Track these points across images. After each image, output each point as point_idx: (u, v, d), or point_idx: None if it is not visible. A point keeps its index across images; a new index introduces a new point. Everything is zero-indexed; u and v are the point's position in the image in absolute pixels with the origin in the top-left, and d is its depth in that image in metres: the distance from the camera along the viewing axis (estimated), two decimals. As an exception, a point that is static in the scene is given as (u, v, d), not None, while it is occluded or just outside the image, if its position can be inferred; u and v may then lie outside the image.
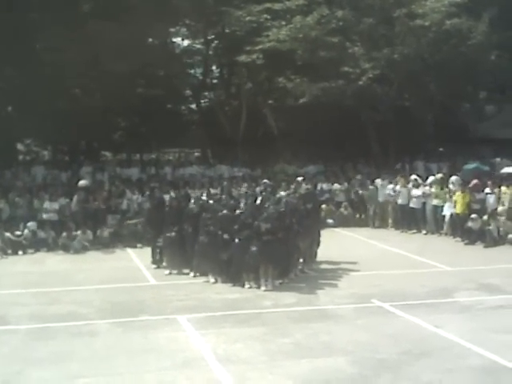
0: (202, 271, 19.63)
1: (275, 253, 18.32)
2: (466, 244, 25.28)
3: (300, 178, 25.57)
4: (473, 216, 25.48)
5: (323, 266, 21.16)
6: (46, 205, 26.26)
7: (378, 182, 30.30)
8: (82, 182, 28.56)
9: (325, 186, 31.28)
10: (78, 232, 25.18)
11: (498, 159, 35.14)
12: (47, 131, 37.16)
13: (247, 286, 18.42)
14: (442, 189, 27.68)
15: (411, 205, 28.30)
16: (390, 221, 29.63)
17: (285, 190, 23.83)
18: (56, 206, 26.38)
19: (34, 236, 25.04)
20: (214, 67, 46.23)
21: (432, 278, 19.48)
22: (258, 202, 19.84)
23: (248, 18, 36.62)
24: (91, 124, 34.90)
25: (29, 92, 30.04)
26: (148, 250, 22.16)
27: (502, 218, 25.50)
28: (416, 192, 28.19)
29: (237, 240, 18.70)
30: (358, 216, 30.75)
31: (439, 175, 29.40)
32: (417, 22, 34.37)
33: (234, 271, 18.80)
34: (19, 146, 42.34)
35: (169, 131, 42.37)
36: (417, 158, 36.46)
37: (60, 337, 14.15)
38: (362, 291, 17.81)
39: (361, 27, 35.37)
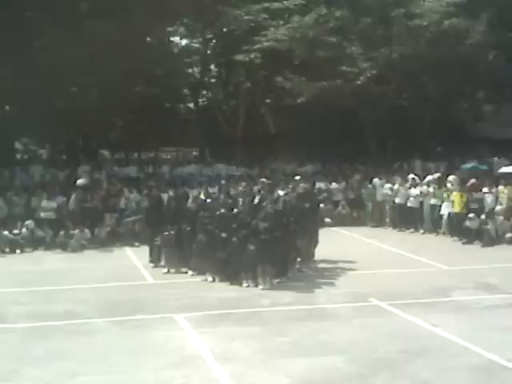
0: (200, 270, 19.62)
1: (273, 252, 18.34)
2: (463, 243, 25.30)
3: (298, 177, 25.53)
4: (470, 215, 25.49)
5: (321, 265, 21.14)
6: (44, 203, 26.24)
7: (376, 181, 30.34)
8: (80, 181, 28.57)
9: (323, 185, 31.27)
10: (76, 231, 25.15)
11: (496, 159, 35.23)
12: (45, 130, 37.20)
13: (245, 284, 18.42)
14: (439, 188, 27.68)
15: (409, 204, 28.31)
16: (387, 220, 29.65)
17: (283, 189, 23.80)
18: (53, 204, 26.36)
19: (31, 234, 25.02)
20: (212, 66, 46.24)
21: (429, 277, 19.50)
22: (256, 201, 19.81)
23: (246, 17, 36.70)
24: (89, 123, 34.94)
25: (26, 91, 30.01)
26: (146, 249, 22.14)
27: (500, 218, 25.52)
28: (414, 191, 28.20)
29: (235, 239, 18.69)
30: (354, 215, 30.71)
31: (437, 174, 29.42)
32: (415, 21, 34.48)
33: (231, 270, 18.80)
34: (17, 145, 42.33)
35: (167, 130, 42.45)
36: (415, 158, 36.49)
37: (57, 335, 14.14)
38: (359, 290, 17.82)
39: (359, 27, 35.45)
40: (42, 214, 26.07)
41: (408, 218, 28.54)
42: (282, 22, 36.56)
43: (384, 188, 29.58)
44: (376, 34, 35.58)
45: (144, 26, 32.09)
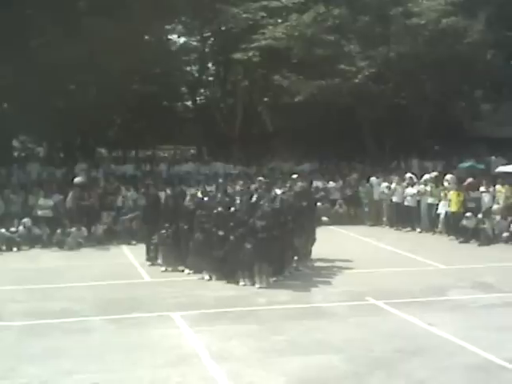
0: (197, 268, 19.61)
1: (270, 250, 18.33)
2: (460, 242, 25.30)
3: (295, 176, 25.55)
4: (467, 214, 25.50)
5: (318, 264, 21.13)
6: (41, 201, 26.20)
7: (373, 179, 30.34)
8: (77, 179, 28.55)
9: (320, 183, 31.28)
10: (73, 229, 25.13)
11: (493, 158, 35.25)
12: (42, 128, 37.20)
13: (242, 283, 18.42)
14: (436, 187, 27.69)
15: (406, 203, 28.31)
16: (384, 219, 29.65)
17: (280, 188, 23.81)
18: (50, 202, 26.31)
19: (28, 232, 24.99)
20: (210, 64, 46.33)
21: (426, 276, 19.51)
22: (254, 199, 19.81)
23: (244, 16, 36.77)
24: (86, 121, 34.90)
25: (24, 89, 29.97)
26: (142, 247, 22.10)
27: (497, 217, 25.53)
28: (411, 190, 28.20)
29: (232, 237, 18.68)
30: (351, 212, 30.70)
31: (434, 173, 29.42)
32: (413, 20, 34.51)
33: (228, 268, 18.79)
34: (14, 143, 42.29)
35: (164, 128, 42.48)
36: (412, 156, 36.53)
37: (54, 333, 14.14)
38: (356, 289, 17.82)
39: (357, 25, 35.49)
40: (39, 212, 26.03)
41: (405, 217, 28.53)
42: (280, 21, 36.65)
43: (381, 187, 29.57)
44: (374, 33, 35.61)
45: (142, 23, 32.09)
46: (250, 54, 35.67)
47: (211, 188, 25.47)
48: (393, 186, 28.96)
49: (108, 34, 28.91)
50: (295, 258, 20.51)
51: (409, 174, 29.33)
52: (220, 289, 18.10)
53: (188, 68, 45.52)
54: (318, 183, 30.95)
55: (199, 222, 19.40)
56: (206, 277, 19.15)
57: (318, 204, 25.56)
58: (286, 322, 14.82)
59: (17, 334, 14.19)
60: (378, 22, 35.64)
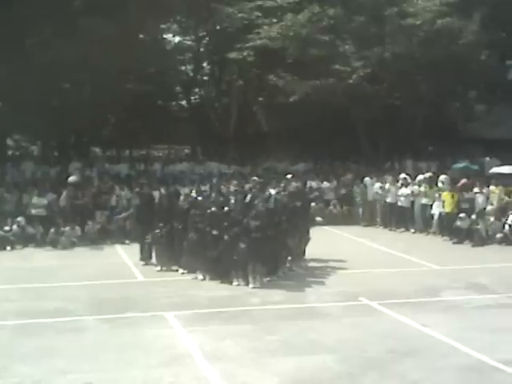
0: (191, 268, 19.59)
1: (264, 250, 18.32)
2: (454, 243, 25.34)
3: (289, 176, 25.55)
4: (461, 215, 25.54)
5: (311, 264, 21.14)
6: (35, 200, 26.15)
7: (367, 180, 30.34)
8: (71, 178, 28.50)
9: (314, 183, 31.31)
10: (67, 228, 25.09)
11: (488, 159, 35.31)
12: (36, 127, 37.06)
13: (235, 283, 18.41)
14: (430, 188, 27.72)
15: (400, 203, 28.33)
16: (378, 219, 29.66)
17: (274, 188, 23.82)
18: (44, 201, 26.26)
19: (22, 231, 24.95)
20: (204, 64, 46.26)
21: (420, 277, 19.53)
22: (248, 199, 19.80)
23: (239, 15, 36.77)
24: (81, 119, 34.83)
25: (18, 87, 29.93)
26: (136, 247, 22.07)
27: (491, 218, 25.56)
28: (405, 191, 28.22)
29: (226, 237, 18.67)
30: (344, 210, 30.70)
31: (428, 174, 29.45)
32: (408, 20, 34.54)
33: (222, 268, 18.78)
34: (8, 142, 42.22)
35: (159, 127, 42.44)
36: (406, 157, 36.57)
37: (47, 333, 14.11)
38: (349, 289, 17.82)
39: (352, 25, 35.50)
40: (33, 211, 25.99)
41: (399, 218, 28.56)
42: (275, 20, 36.61)
43: (374, 187, 29.59)
44: (369, 33, 35.62)
45: (137, 23, 32.05)
46: (245, 53, 35.67)
47: (205, 188, 25.48)
48: (387, 186, 28.99)
49: (103, 33, 28.87)
50: (289, 258, 20.50)
51: (403, 175, 29.35)
52: (214, 289, 18.09)
53: (183, 67, 45.46)
54: (312, 183, 30.99)
55: (193, 221, 19.38)
56: (200, 277, 19.14)
57: (312, 204, 25.59)
58: (279, 322, 14.82)
59: (10, 333, 14.16)
60: (372, 22, 35.65)
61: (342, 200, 31.01)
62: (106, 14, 29.18)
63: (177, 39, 44.56)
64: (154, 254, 21.15)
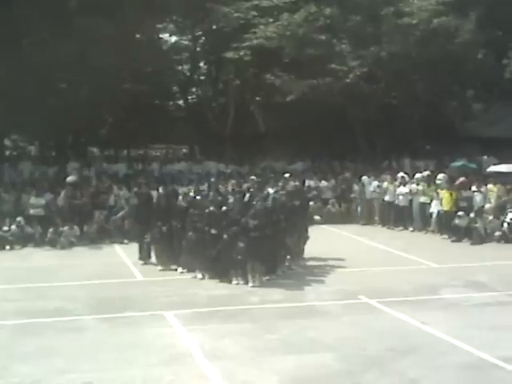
0: (190, 267, 19.60)
1: (262, 249, 18.33)
2: (452, 241, 25.35)
3: (287, 175, 25.57)
4: (459, 213, 25.55)
5: (310, 263, 21.14)
6: (33, 200, 26.14)
7: (365, 179, 30.33)
8: (70, 178, 28.48)
9: (312, 182, 31.31)
10: (65, 228, 25.08)
11: (485, 157, 35.37)
12: (34, 126, 37.04)
13: (234, 282, 18.41)
14: (428, 186, 27.74)
15: (398, 202, 28.34)
16: (376, 218, 29.68)
17: (272, 187, 23.84)
18: (42, 201, 26.25)
19: (21, 231, 24.94)
20: (201, 64, 46.30)
21: (419, 275, 19.53)
22: (246, 198, 19.81)
23: (236, 15, 36.80)
24: (78, 119, 34.80)
25: (16, 87, 29.90)
26: (135, 246, 22.07)
27: (489, 216, 25.59)
28: (403, 189, 28.23)
29: (225, 236, 18.67)
30: (341, 209, 30.71)
31: (426, 172, 29.46)
32: (404, 20, 34.58)
33: (221, 267, 18.78)
34: (6, 142, 42.20)
35: (156, 127, 42.36)
36: (404, 156, 36.58)
37: (46, 332, 14.11)
38: (348, 288, 17.83)
39: (348, 25, 35.53)
40: (31, 211, 25.96)
41: (397, 216, 28.57)
42: (271, 20, 36.66)
43: (371, 186, 29.59)
44: (365, 32, 35.65)
45: (134, 22, 32.06)
46: (242, 53, 35.71)
47: (203, 187, 25.49)
48: (385, 185, 29.01)
49: (100, 33, 28.89)
50: (288, 256, 20.51)
51: (401, 174, 29.35)
52: (213, 288, 18.09)
53: (179, 67, 45.46)
54: (310, 182, 30.99)
55: (192, 221, 19.38)
56: (199, 276, 19.14)
57: (311, 203, 25.60)
58: (279, 321, 14.82)
59: (9, 333, 14.16)
60: (369, 21, 35.68)
61: (340, 198, 31.02)
62: (102, 14, 29.19)
63: (173, 39, 44.64)
64: (153, 254, 21.16)
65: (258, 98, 40.48)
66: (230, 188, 23.90)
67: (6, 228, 24.80)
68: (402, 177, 28.86)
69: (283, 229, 19.65)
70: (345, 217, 30.45)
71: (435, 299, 16.78)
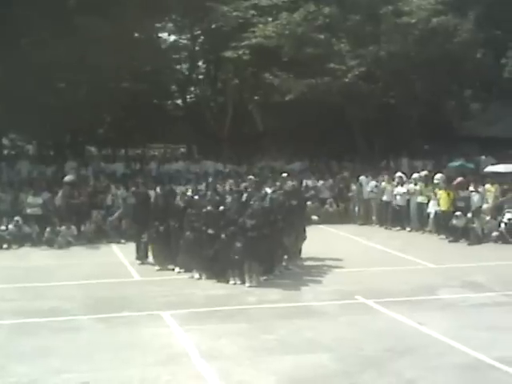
0: (187, 267, 19.59)
1: (260, 249, 18.33)
2: (450, 241, 25.34)
3: (285, 174, 25.56)
4: (457, 213, 25.54)
5: (308, 263, 21.13)
6: (30, 199, 26.13)
7: (363, 178, 30.32)
8: (67, 177, 28.46)
9: (310, 182, 31.29)
10: (63, 227, 25.06)
11: (483, 157, 35.34)
12: (32, 126, 37.01)
13: (232, 282, 18.40)
14: (426, 186, 27.74)
15: (396, 202, 28.32)
16: (374, 218, 29.67)
17: (270, 187, 23.83)
18: (39, 200, 26.24)
19: (19, 230, 24.92)
20: (200, 63, 46.26)
21: (416, 275, 19.54)
22: (244, 198, 19.81)
23: (234, 14, 36.78)
24: (76, 118, 34.77)
25: (14, 86, 29.89)
26: (132, 246, 22.08)
27: (487, 217, 25.58)
28: (401, 189, 28.22)
29: (223, 236, 18.66)
30: (339, 209, 30.70)
31: (424, 172, 29.45)
32: (403, 19, 34.59)
33: (218, 267, 18.78)
34: (4, 141, 42.17)
35: (154, 126, 42.30)
36: (402, 156, 36.57)
37: (43, 332, 14.10)
38: (346, 288, 17.83)
39: (347, 24, 35.52)
40: (29, 210, 25.95)
41: (395, 216, 28.55)
42: (270, 19, 36.67)
43: (369, 185, 29.58)
44: (364, 32, 35.64)
45: (133, 21, 32.04)
46: (241, 52, 35.73)
47: (201, 187, 25.50)
48: (382, 184, 29.01)
49: (99, 32, 28.87)
50: (285, 256, 20.51)
51: (399, 173, 29.33)
52: (210, 288, 18.08)
53: (178, 66, 45.42)
54: (308, 182, 30.95)
55: (189, 220, 19.37)
56: (196, 275, 19.13)
57: (308, 203, 25.60)
58: (276, 321, 14.82)
59: (6, 332, 14.16)
60: (368, 20, 35.67)
61: (338, 198, 31.02)
62: (101, 13, 29.19)
63: (172, 38, 44.58)
64: (150, 253, 21.16)
65: (256, 98, 40.49)
66: (227, 188, 23.89)
67: (3, 227, 24.77)
68: (400, 177, 28.84)
69: (281, 229, 19.64)
70: (342, 217, 30.43)
71: (432, 299, 16.78)
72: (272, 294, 17.29)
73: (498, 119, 38.45)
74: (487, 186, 27.00)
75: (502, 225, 25.20)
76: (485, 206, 26.19)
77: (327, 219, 29.21)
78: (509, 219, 25.11)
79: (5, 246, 24.28)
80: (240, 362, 12.22)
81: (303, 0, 36.47)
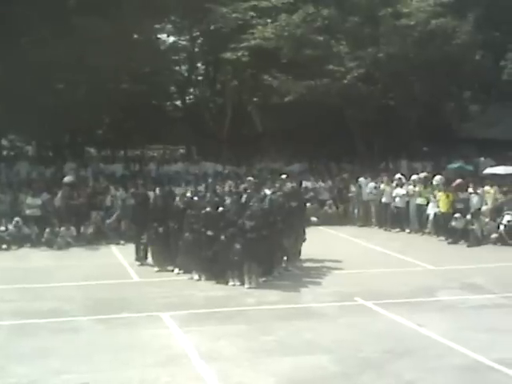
0: (186, 268, 19.60)
1: (259, 250, 18.33)
2: (449, 243, 25.34)
3: (284, 176, 25.56)
4: (456, 215, 25.55)
5: (307, 264, 21.15)
6: (29, 200, 26.13)
7: (362, 180, 30.33)
8: (67, 178, 28.48)
9: (309, 184, 31.30)
10: (62, 228, 25.06)
11: (482, 159, 35.33)
12: (31, 126, 37.00)
13: (231, 283, 18.41)
14: (425, 188, 27.75)
15: (395, 204, 28.32)
16: (373, 219, 29.67)
17: (269, 188, 23.84)
18: (38, 201, 26.25)
19: (18, 231, 24.91)
20: (199, 64, 46.21)
21: (415, 277, 19.54)
22: (243, 199, 19.82)
23: (234, 15, 36.73)
24: (75, 119, 34.77)
25: (13, 87, 29.90)
26: (131, 247, 22.10)
27: (486, 218, 25.59)
28: (400, 191, 28.23)
29: (222, 237, 18.66)
30: (338, 211, 30.71)
31: (423, 174, 29.47)
32: (402, 21, 34.56)
33: (218, 268, 18.78)
34: (3, 142, 42.16)
35: (153, 128, 42.27)
36: (401, 157, 36.57)
37: (43, 333, 14.12)
38: (345, 289, 17.84)
39: (346, 26, 35.48)
40: (28, 211, 25.96)
41: (394, 218, 28.56)
42: (269, 21, 36.61)
43: (368, 187, 29.58)
44: (363, 34, 35.61)
45: (132, 23, 32.05)
46: (240, 53, 35.69)
47: (201, 188, 25.50)
48: (382, 186, 29.02)
49: (98, 32, 28.89)
50: (284, 258, 20.53)
51: (398, 175, 29.35)
52: (209, 289, 18.10)
53: (177, 67, 45.37)
54: (307, 183, 30.94)
55: (189, 221, 19.37)
56: (196, 277, 19.14)
57: (308, 204, 25.60)
58: (275, 323, 14.83)
59: (6, 333, 14.17)
60: (367, 22, 35.64)
61: (337, 199, 31.03)
62: (100, 14, 29.22)
63: (171, 39, 44.51)
64: (149, 255, 21.17)
65: (255, 99, 40.43)
66: (227, 189, 23.89)
67: (2, 228, 24.80)
68: (399, 178, 28.88)
69: (280, 230, 19.65)
70: (342, 218, 30.46)
71: (431, 301, 16.78)
72: (271, 296, 17.30)
73: (497, 121, 38.46)
74: (486, 187, 27.02)
75: (501, 227, 25.19)
76: (484, 207, 26.19)
77: (326, 221, 29.22)
78: (508, 221, 25.11)
79: (4, 246, 24.29)
80: (239, 364, 12.23)
81: (302, 2, 36.43)
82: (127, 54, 32.35)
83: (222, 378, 11.57)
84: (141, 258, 21.43)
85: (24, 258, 22.89)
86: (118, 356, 12.62)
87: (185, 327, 14.42)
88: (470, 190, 26.94)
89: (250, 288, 18.02)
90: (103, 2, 30.06)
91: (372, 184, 29.48)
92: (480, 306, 16.31)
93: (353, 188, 30.49)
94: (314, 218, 26.39)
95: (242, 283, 18.28)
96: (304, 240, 21.24)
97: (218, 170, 34.46)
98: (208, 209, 19.19)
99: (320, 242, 23.74)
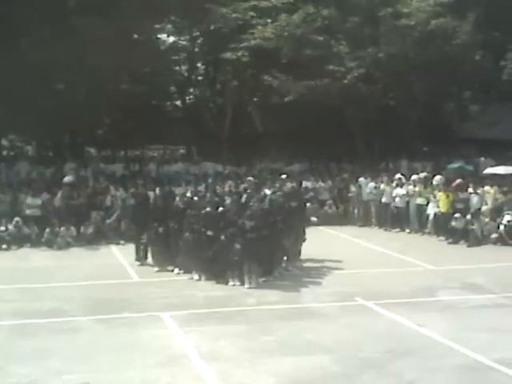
0: (187, 268, 19.60)
1: (259, 250, 18.33)
2: (449, 243, 25.34)
3: (284, 176, 25.55)
4: (456, 215, 25.55)
5: (307, 264, 21.14)
6: (29, 200, 26.13)
7: (362, 180, 30.32)
8: (67, 178, 28.48)
9: (309, 184, 31.29)
10: (62, 228, 25.06)
11: (482, 159, 35.33)
12: (31, 126, 37.01)
13: (231, 283, 18.41)
14: (425, 188, 27.75)
15: (395, 204, 28.32)
16: (373, 219, 29.66)
17: (269, 188, 23.83)
18: (38, 201, 26.24)
19: (18, 231, 24.91)
20: (199, 64, 46.19)
21: (415, 277, 19.53)
22: (243, 199, 19.81)
23: (234, 15, 36.72)
24: (75, 120, 34.78)
25: (13, 87, 29.90)
26: (132, 247, 22.09)
27: (486, 218, 25.58)
28: (400, 191, 28.22)
29: (222, 237, 18.66)
30: (338, 211, 30.71)
31: (423, 174, 29.47)
32: (402, 21, 34.56)
33: (218, 268, 18.78)
34: (3, 142, 42.16)
35: (153, 128, 42.24)
36: (401, 157, 36.56)
37: (43, 333, 14.11)
38: (345, 289, 17.83)
39: (346, 26, 35.49)
40: (27, 211, 25.96)
41: (394, 218, 28.55)
42: (269, 21, 36.61)
43: (368, 187, 29.58)
44: (363, 34, 35.62)
45: (132, 23, 32.04)
46: (240, 53, 35.69)
47: (201, 188, 25.50)
48: (382, 186, 29.01)
49: (98, 33, 28.88)
50: (285, 258, 20.52)
51: (398, 175, 29.35)
52: (209, 289, 18.10)
53: (177, 67, 45.35)
54: (307, 183, 30.93)
55: (189, 221, 19.36)
56: (196, 277, 19.14)
57: (308, 204, 25.59)
58: (275, 323, 14.83)
59: (6, 333, 14.16)
60: (367, 22, 35.65)
61: (337, 199, 31.03)
62: (100, 14, 29.19)
63: (171, 39, 44.48)
64: (149, 255, 21.17)
65: (255, 99, 40.43)
66: (227, 189, 23.88)
67: (2, 228, 24.80)
68: (399, 178, 28.87)
69: (280, 230, 19.64)
70: (342, 218, 30.46)
71: (432, 301, 16.77)
72: (271, 296, 17.30)
73: (497, 121, 38.45)
74: (486, 187, 27.01)
75: (501, 227, 25.18)
76: (484, 207, 26.18)
77: (326, 221, 29.22)
78: (508, 221, 25.11)
79: (4, 246, 24.29)
80: (239, 364, 12.23)
81: (302, 2, 36.44)
82: (127, 54, 32.35)
83: (223, 378, 11.56)
84: (141, 258, 21.43)
85: (24, 258, 22.89)
86: (118, 356, 12.62)
87: (185, 327, 14.41)
88: (470, 189, 26.94)
89: (250, 288, 18.02)
90: (103, 2, 30.04)
91: (372, 184, 29.47)
92: (480, 306, 16.31)
93: (353, 188, 30.49)
94: (314, 218, 26.38)
95: (242, 283, 18.27)
96: (304, 240, 21.24)
97: (218, 170, 34.45)
98: (208, 209, 19.19)
99: (320, 242, 23.74)
